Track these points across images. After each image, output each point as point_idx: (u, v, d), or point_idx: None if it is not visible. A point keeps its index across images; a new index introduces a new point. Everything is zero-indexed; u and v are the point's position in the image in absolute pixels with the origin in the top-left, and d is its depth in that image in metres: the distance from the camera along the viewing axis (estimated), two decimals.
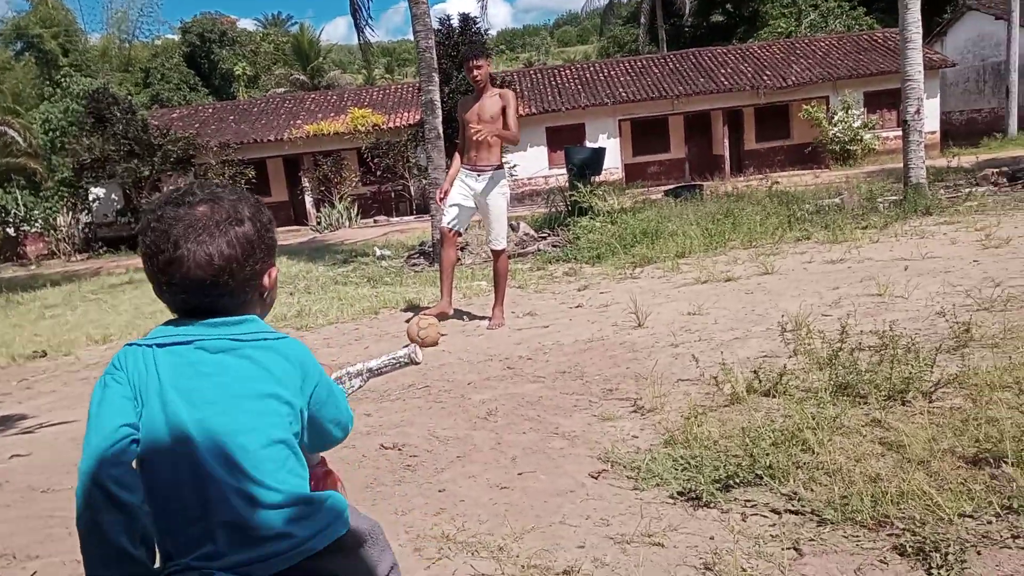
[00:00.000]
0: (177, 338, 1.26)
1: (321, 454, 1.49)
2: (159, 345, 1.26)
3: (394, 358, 1.52)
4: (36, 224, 24.46)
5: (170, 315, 1.33)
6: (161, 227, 1.26)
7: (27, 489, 3.54)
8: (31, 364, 6.65)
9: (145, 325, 7.71)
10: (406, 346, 1.48)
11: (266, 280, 1.35)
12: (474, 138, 5.68)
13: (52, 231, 24.28)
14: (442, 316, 5.98)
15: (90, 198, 24.56)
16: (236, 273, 1.27)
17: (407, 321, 5.95)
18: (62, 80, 34.75)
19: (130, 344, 1.30)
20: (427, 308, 6.53)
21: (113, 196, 25.28)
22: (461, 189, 5.99)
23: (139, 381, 1.23)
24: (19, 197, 24.87)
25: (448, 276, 6.14)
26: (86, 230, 24.87)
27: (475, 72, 5.80)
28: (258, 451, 1.21)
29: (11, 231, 24.54)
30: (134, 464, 1.20)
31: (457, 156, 6.12)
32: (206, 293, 1.26)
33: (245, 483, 1.19)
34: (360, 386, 1.50)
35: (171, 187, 1.54)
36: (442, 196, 6.02)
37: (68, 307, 10.37)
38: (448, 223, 6.02)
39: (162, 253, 1.25)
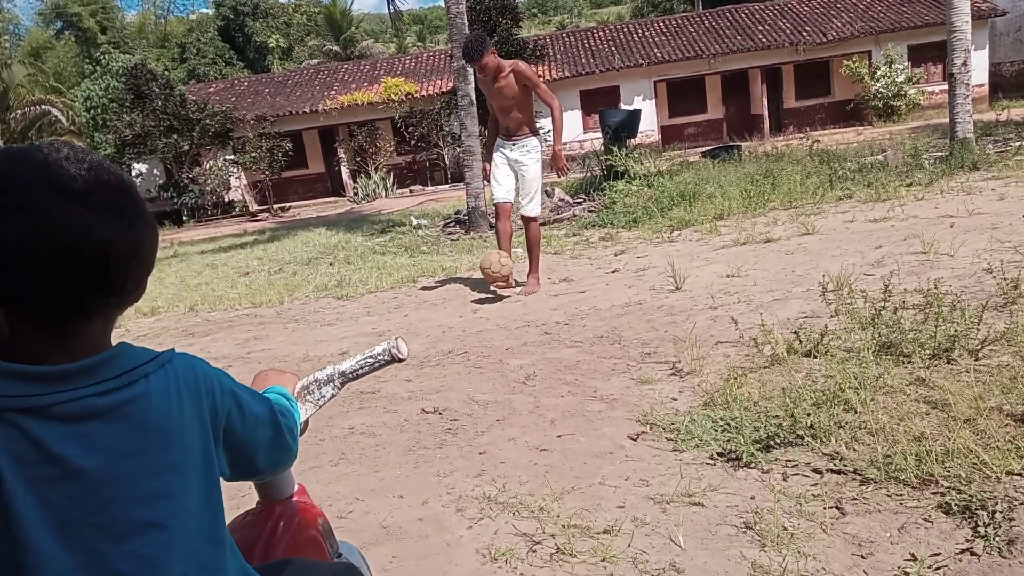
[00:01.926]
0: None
1: (299, 482, 1.27)
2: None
3: (371, 357, 1.25)
4: None
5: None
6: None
7: None
8: None
9: (191, 297, 7.88)
10: (385, 342, 1.24)
11: None
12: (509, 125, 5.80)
13: None
14: (507, 286, 6.03)
15: (133, 174, 24.98)
16: None
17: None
18: (101, 57, 35.25)
19: None
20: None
21: (155, 171, 25.72)
22: (500, 160, 6.03)
23: None
24: None
25: (507, 247, 6.15)
26: None
27: (481, 72, 5.80)
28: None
29: None
30: None
31: (490, 125, 6.16)
32: None
33: None
34: (333, 395, 1.26)
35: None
36: (486, 175, 6.13)
37: None
38: (501, 198, 6.05)
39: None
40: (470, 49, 5.72)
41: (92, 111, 30.38)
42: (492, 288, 6.08)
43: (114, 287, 0.88)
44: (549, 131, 6.80)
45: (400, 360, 1.26)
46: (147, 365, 0.90)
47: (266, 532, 1.20)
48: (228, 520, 1.06)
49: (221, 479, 1.00)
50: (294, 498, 1.26)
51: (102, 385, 0.85)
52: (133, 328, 6.88)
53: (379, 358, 1.25)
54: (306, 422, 1.26)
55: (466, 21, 10.61)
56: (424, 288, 6.85)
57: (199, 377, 0.95)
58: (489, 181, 6.20)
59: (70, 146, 0.89)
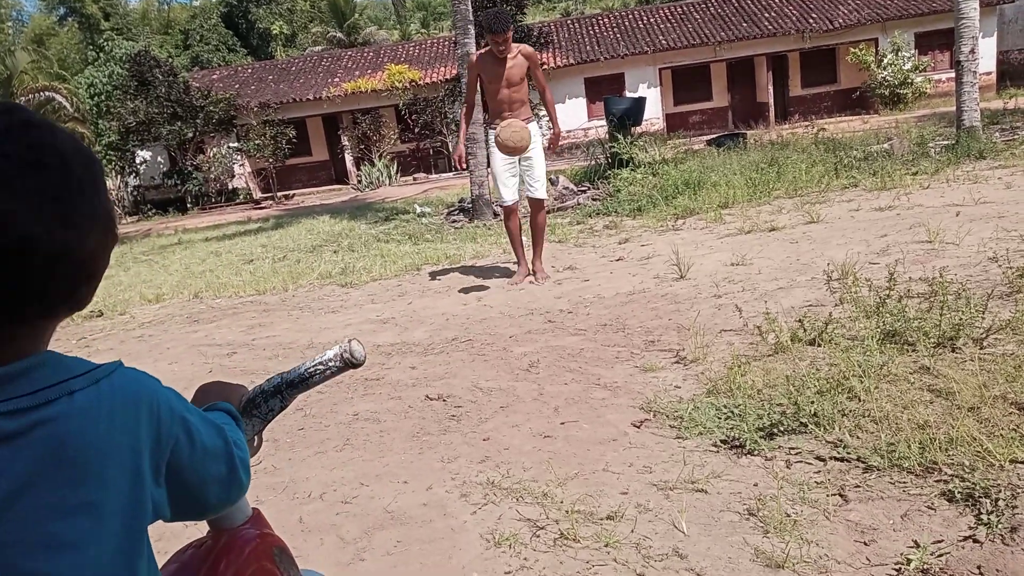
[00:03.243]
0: None
1: (253, 507, 1.14)
2: None
3: (321, 363, 1.10)
4: None
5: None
6: None
7: None
8: (89, 323, 6.87)
9: (195, 284, 7.90)
10: (337, 346, 1.11)
11: None
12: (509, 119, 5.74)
13: None
14: (519, 277, 6.06)
15: (137, 161, 24.99)
16: None
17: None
18: (105, 44, 35.18)
19: None
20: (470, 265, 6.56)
21: (159, 159, 25.69)
22: (502, 159, 5.93)
23: None
24: None
25: (519, 244, 6.17)
26: (134, 193, 25.37)
27: (502, 46, 5.71)
28: None
29: None
30: None
31: (465, 110, 6.22)
32: None
33: None
34: (282, 407, 1.12)
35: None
36: (460, 157, 6.01)
37: (121, 268, 10.65)
38: (511, 199, 6.01)
39: None
40: (500, 19, 5.67)
41: (96, 98, 30.34)
42: (515, 281, 6.04)
43: (30, 293, 0.71)
44: (546, 117, 6.82)
45: (356, 365, 1.10)
46: (74, 380, 0.74)
47: (207, 567, 1.03)
48: (164, 560, 0.94)
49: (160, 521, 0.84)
50: (247, 526, 1.10)
51: (12, 403, 0.70)
52: (138, 315, 6.90)
53: (331, 364, 1.10)
54: (259, 440, 1.14)
55: (470, 7, 10.56)
56: (431, 275, 6.86)
57: (142, 398, 0.79)
58: (465, 163, 6.15)
59: (14, 114, 0.75)
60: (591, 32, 26.61)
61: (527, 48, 5.88)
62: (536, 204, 6.08)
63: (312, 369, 1.10)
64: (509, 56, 5.74)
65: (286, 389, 1.11)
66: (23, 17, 41.37)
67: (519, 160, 5.96)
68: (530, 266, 6.14)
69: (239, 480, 0.93)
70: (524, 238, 6.35)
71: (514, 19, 21.74)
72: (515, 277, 6.14)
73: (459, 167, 6.54)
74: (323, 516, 2.60)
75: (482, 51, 5.91)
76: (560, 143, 6.12)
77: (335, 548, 2.38)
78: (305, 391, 1.12)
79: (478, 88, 6.14)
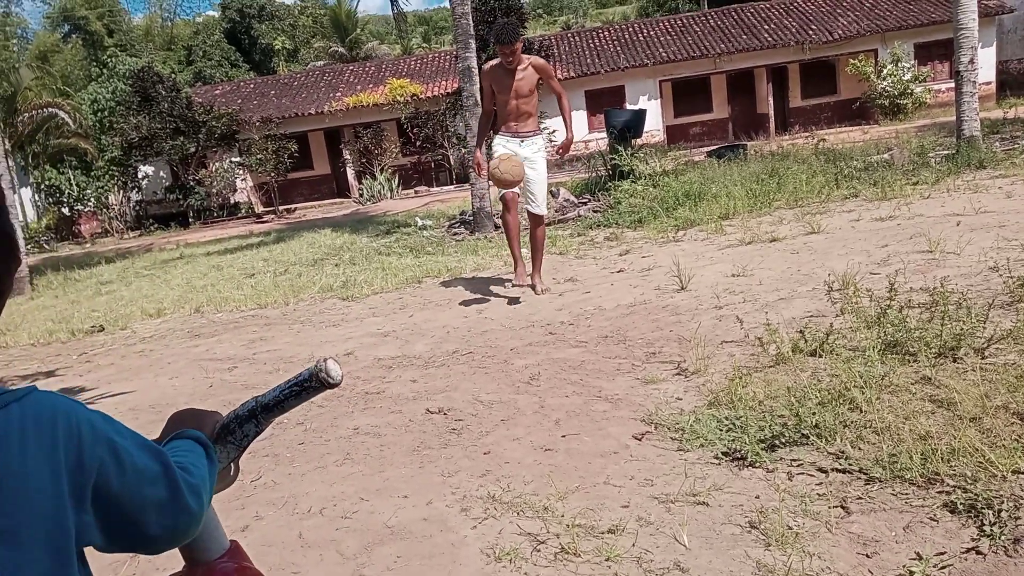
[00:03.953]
0: None
1: (232, 539, 1.09)
2: None
3: (296, 384, 1.04)
4: (89, 203, 25.08)
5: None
6: None
7: None
8: (90, 338, 6.88)
9: (197, 299, 7.91)
10: (312, 365, 1.05)
11: None
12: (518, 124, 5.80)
13: (105, 209, 24.90)
14: (520, 283, 5.94)
15: (139, 176, 25.09)
16: None
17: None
18: (108, 60, 35.36)
19: None
20: (473, 275, 6.56)
21: (161, 174, 25.80)
22: (505, 152, 5.93)
23: None
24: (72, 177, 25.49)
25: (517, 241, 6.01)
26: (137, 208, 25.45)
27: (511, 57, 5.71)
28: None
29: (66, 211, 25.23)
30: None
31: (483, 118, 6.21)
32: None
33: None
34: (257, 432, 1.06)
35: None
36: (479, 164, 6.05)
37: (123, 283, 10.67)
38: (509, 188, 5.92)
39: None
40: (508, 30, 5.67)
41: (99, 113, 30.48)
42: (517, 284, 5.97)
43: None
44: (554, 131, 6.85)
45: (332, 385, 1.04)
46: None
47: None
48: None
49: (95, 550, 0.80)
50: (224, 559, 1.05)
51: None
52: (139, 330, 6.91)
53: (306, 383, 1.04)
54: (236, 468, 1.09)
55: (471, 22, 10.61)
56: (435, 287, 6.86)
57: (59, 421, 0.75)
58: (483, 171, 6.09)
59: None
60: (592, 45, 26.72)
61: (538, 60, 5.88)
62: (535, 219, 6.08)
63: (288, 391, 1.05)
64: (519, 68, 5.75)
65: (261, 413, 1.06)
66: (28, 34, 41.64)
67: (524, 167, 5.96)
68: (529, 279, 6.11)
69: (186, 507, 0.86)
70: (524, 249, 6.33)
71: None
72: (515, 279, 6.01)
73: (477, 173, 6.52)
74: (323, 531, 2.58)
75: (493, 62, 5.91)
76: (569, 151, 6.15)
77: (335, 564, 2.37)
78: (281, 414, 1.08)
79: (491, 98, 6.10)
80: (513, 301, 5.87)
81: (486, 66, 6.00)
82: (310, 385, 1.04)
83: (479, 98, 10.47)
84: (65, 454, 0.74)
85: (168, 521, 0.84)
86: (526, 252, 6.26)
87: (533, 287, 6.03)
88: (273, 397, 1.06)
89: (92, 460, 0.76)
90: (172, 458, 0.87)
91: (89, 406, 0.80)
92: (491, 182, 5.71)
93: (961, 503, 2.16)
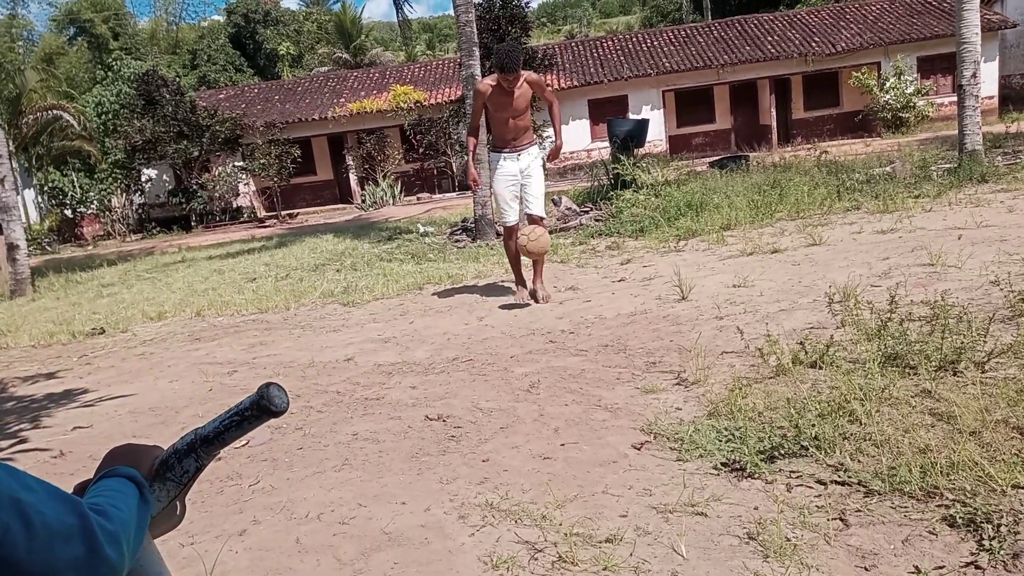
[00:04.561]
0: None
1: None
2: None
3: (237, 415, 0.98)
4: (92, 206, 25.13)
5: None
6: None
7: (89, 459, 3.69)
8: (90, 341, 6.88)
9: (198, 303, 7.91)
10: (254, 393, 0.99)
11: None
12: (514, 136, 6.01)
13: (107, 212, 24.94)
14: (520, 300, 6.06)
15: (142, 179, 25.14)
16: None
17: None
18: (113, 64, 35.48)
19: None
20: (474, 280, 6.56)
21: (164, 177, 25.85)
22: (507, 182, 6.07)
23: None
24: (75, 179, 25.56)
25: (518, 264, 6.23)
26: (139, 211, 25.50)
27: (514, 84, 5.82)
28: None
29: (68, 213, 25.27)
30: None
31: (472, 139, 6.43)
32: None
33: None
34: (198, 467, 0.99)
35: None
36: (473, 178, 6.39)
37: (124, 286, 10.67)
38: (513, 220, 6.16)
39: None
40: (512, 58, 5.72)
41: (103, 116, 30.56)
42: (521, 294, 6.10)
43: None
44: (548, 137, 6.99)
45: (275, 413, 0.97)
46: None
47: None
48: None
49: None
50: None
51: None
52: (140, 333, 6.91)
53: (247, 414, 0.97)
54: (179, 506, 1.01)
55: (475, 30, 10.65)
56: (434, 295, 6.86)
57: None
58: (478, 185, 6.47)
59: None
60: (595, 54, 26.80)
61: (531, 75, 5.98)
62: (535, 222, 6.11)
63: (229, 422, 0.98)
64: (517, 87, 5.86)
65: (201, 446, 0.99)
66: (34, 37, 41.79)
67: (520, 180, 6.04)
68: (531, 286, 6.15)
69: (104, 559, 0.75)
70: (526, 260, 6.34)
71: (518, 41, 21.94)
72: (515, 297, 6.14)
73: (472, 186, 6.74)
74: (320, 536, 2.58)
75: (490, 81, 5.95)
76: (563, 163, 6.29)
77: (332, 569, 2.37)
78: (223, 447, 1.00)
79: (483, 115, 6.29)
80: (513, 307, 5.87)
81: (481, 85, 6.08)
82: (251, 414, 0.98)
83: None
84: None
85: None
86: (527, 274, 6.31)
87: (534, 294, 6.05)
88: (213, 429, 0.99)
89: None
90: (91, 499, 0.81)
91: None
92: (523, 252, 5.97)
93: (960, 517, 2.16)
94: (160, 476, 0.98)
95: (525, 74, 5.93)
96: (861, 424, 2.75)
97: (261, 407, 0.97)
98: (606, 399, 3.58)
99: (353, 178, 25.96)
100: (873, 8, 26.52)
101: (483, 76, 10.91)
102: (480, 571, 2.25)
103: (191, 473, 0.99)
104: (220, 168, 24.32)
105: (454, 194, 23.75)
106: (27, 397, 5.13)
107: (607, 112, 23.25)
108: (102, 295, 9.95)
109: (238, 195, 25.64)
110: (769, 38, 25.49)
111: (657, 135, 23.55)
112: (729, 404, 3.12)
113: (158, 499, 0.96)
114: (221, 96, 28.67)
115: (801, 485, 2.52)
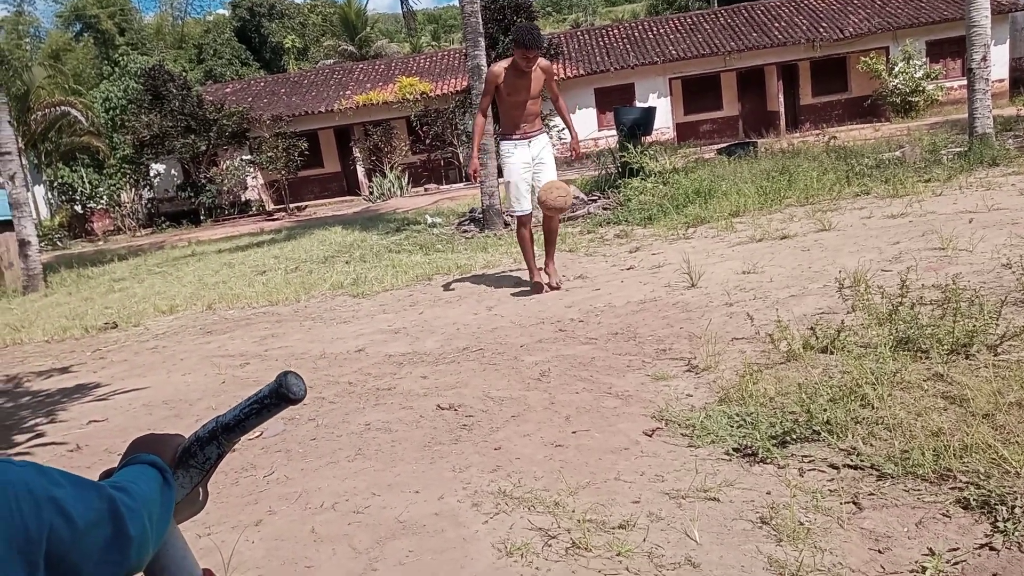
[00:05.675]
0: None
1: (204, 568, 1.03)
2: None
3: (257, 402, 1.01)
4: (101, 201, 25.23)
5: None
6: None
7: (104, 452, 3.72)
8: (103, 335, 6.93)
9: (209, 296, 7.95)
10: (273, 381, 1.01)
11: None
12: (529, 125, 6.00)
13: (117, 207, 25.05)
14: (537, 289, 6.02)
15: (151, 174, 25.22)
16: None
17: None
18: (120, 59, 35.59)
19: None
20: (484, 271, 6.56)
21: (173, 171, 25.94)
22: (521, 169, 6.03)
23: None
24: (84, 175, 25.67)
25: (531, 254, 6.17)
26: (149, 205, 25.60)
27: (532, 61, 5.73)
28: None
29: (78, 208, 25.39)
30: None
31: (480, 121, 6.15)
32: None
33: None
34: (220, 454, 1.02)
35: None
36: (475, 171, 6.24)
37: (135, 280, 10.73)
38: (527, 210, 6.12)
39: None
40: (535, 35, 5.65)
41: (111, 112, 30.67)
42: (537, 284, 6.06)
43: None
44: (563, 130, 6.94)
45: (294, 401, 1.00)
46: None
47: None
48: None
49: None
50: None
51: None
52: (152, 326, 6.95)
53: (266, 402, 1.00)
54: (202, 491, 1.04)
55: (480, 20, 10.61)
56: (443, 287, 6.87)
57: None
58: (477, 176, 6.46)
59: None
60: (601, 43, 26.69)
61: (544, 61, 5.89)
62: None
63: (248, 409, 1.01)
64: (531, 70, 5.79)
65: (222, 434, 1.01)
66: (40, 33, 41.89)
67: (532, 167, 6.03)
68: (544, 270, 6.15)
69: (126, 534, 0.78)
70: (537, 249, 6.34)
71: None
72: (532, 289, 6.09)
73: (474, 180, 6.71)
74: (335, 526, 2.60)
75: (505, 64, 5.86)
76: (570, 152, 6.32)
77: (347, 558, 2.39)
78: (243, 434, 1.03)
79: (491, 100, 6.16)
80: (522, 296, 5.88)
81: (496, 67, 5.90)
82: (271, 402, 1.00)
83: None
84: (14, 529, 0.67)
85: (113, 556, 0.77)
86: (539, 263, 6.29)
87: (548, 281, 6.05)
88: (233, 416, 1.02)
89: (39, 528, 0.69)
90: (112, 480, 0.84)
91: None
92: (543, 208, 5.93)
93: (974, 499, 2.15)
94: (183, 463, 1.01)
95: (538, 60, 5.90)
96: (873, 408, 2.74)
97: (280, 395, 0.99)
98: (617, 387, 3.59)
99: (360, 170, 25.98)
100: None
101: (488, 66, 10.89)
102: (494, 558, 2.26)
103: (213, 460, 1.02)
104: (228, 162, 24.39)
105: (461, 184, 23.75)
106: (42, 392, 5.18)
107: (614, 101, 23.16)
108: (114, 290, 10.01)
109: (246, 188, 25.71)
110: (776, 24, 25.32)
111: (664, 123, 23.47)
112: (740, 390, 3.12)
113: (181, 486, 0.98)
114: (227, 90, 28.71)
115: (813, 469, 2.52)
